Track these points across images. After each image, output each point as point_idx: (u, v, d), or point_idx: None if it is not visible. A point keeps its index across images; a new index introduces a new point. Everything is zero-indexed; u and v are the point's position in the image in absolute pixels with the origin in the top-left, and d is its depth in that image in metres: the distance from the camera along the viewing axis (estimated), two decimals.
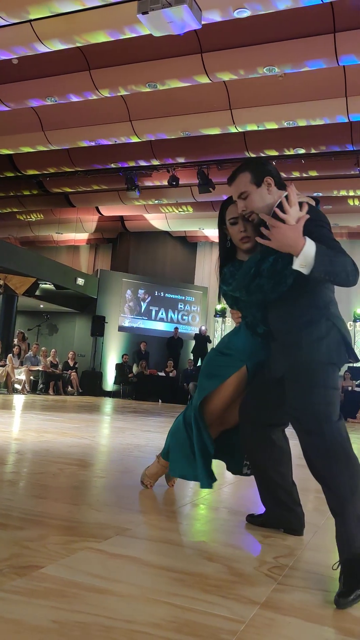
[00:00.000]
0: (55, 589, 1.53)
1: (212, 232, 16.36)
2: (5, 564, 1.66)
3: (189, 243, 17.58)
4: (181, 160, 10.89)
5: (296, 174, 11.06)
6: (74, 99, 8.60)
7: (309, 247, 1.81)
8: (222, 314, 16.64)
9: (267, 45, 7.11)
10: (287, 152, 9.99)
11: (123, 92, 8.34)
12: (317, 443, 1.92)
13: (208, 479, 2.56)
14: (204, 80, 7.69)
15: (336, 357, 2.00)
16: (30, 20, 6.62)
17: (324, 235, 1.94)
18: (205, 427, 2.58)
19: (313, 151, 9.91)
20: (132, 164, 11.19)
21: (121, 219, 15.97)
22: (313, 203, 2.17)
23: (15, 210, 15.13)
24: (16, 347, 13.20)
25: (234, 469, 2.74)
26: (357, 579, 1.69)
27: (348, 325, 14.22)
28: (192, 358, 15.41)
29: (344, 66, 7.46)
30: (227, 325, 16.77)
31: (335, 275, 1.87)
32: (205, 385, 2.57)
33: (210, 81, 7.75)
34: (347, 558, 1.77)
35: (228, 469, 2.79)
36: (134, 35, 6.61)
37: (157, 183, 12.47)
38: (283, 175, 11.27)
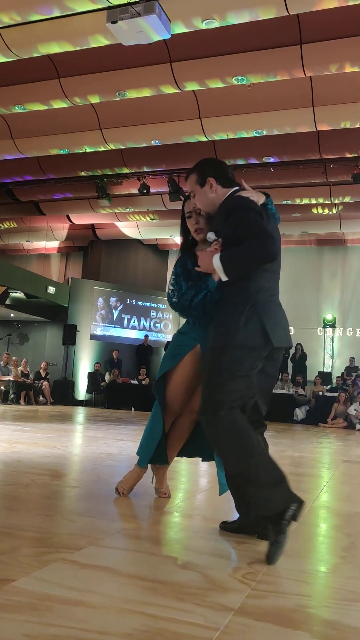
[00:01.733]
0: (27, 602, 1.51)
1: None
2: None
3: (160, 251, 17.59)
4: (152, 168, 10.92)
5: (265, 183, 11.19)
6: (44, 107, 8.56)
7: (216, 262, 2.22)
8: None
9: (236, 56, 7.19)
10: (256, 161, 10.10)
11: (93, 101, 8.34)
12: (213, 428, 2.13)
13: (145, 458, 2.86)
14: (174, 89, 7.74)
15: (251, 340, 2.18)
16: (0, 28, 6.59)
17: (245, 219, 2.22)
18: (160, 413, 2.80)
19: (282, 160, 10.05)
20: (106, 171, 11.18)
21: (92, 227, 15.92)
22: (262, 198, 2.40)
23: None
24: None
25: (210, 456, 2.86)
26: (272, 531, 2.00)
27: (318, 331, 14.32)
28: None
29: (310, 77, 7.59)
30: None
31: (246, 265, 2.22)
32: (165, 364, 2.77)
33: (179, 90, 7.80)
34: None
35: (204, 459, 2.96)
36: (103, 44, 6.62)
37: (128, 191, 12.48)
38: (256, 184, 11.39)
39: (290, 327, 13.21)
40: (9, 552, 1.91)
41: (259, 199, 2.39)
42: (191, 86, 7.65)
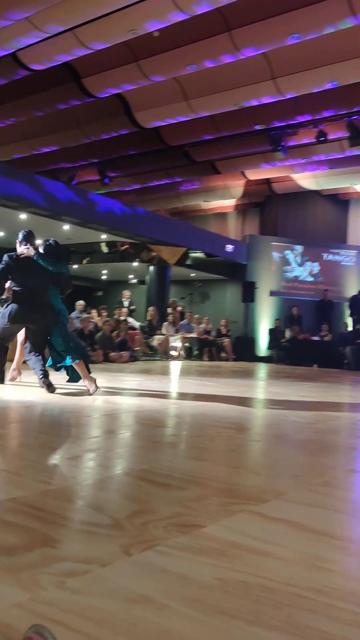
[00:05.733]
0: (217, 548, 1.56)
1: None
2: (169, 522, 1.74)
3: (340, 201, 16.75)
4: (328, 113, 10.32)
5: None
6: (215, 63, 8.50)
7: None
8: None
9: None
10: None
11: (264, 50, 8.07)
12: None
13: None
14: (350, 23, 7.15)
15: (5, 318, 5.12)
16: None
17: None
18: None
19: None
20: (280, 122, 10.86)
21: (268, 181, 15.65)
22: (31, 253, 5.12)
23: (163, 182, 15.48)
24: (170, 315, 13.69)
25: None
26: None
27: None
28: (346, 321, 14.83)
29: None
30: None
31: None
32: None
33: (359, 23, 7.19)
34: None
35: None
36: None
37: (304, 141, 11.98)
38: None
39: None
40: (198, 500, 1.99)
41: (27, 253, 5.10)
42: None
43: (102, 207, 11.99)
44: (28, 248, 5.12)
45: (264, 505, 1.98)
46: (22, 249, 5.14)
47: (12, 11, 7.01)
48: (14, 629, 1.06)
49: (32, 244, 5.20)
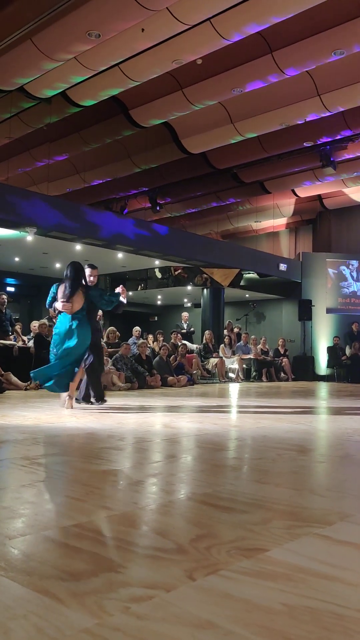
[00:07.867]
0: (282, 572, 1.53)
1: None
2: (232, 546, 1.72)
3: None
4: None
5: None
6: (259, 85, 8.57)
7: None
8: None
9: None
10: None
11: (308, 68, 8.08)
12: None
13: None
14: None
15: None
16: (209, 19, 6.77)
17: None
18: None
19: None
20: (326, 138, 10.79)
21: (319, 197, 15.52)
22: None
23: (213, 206, 15.59)
24: (226, 337, 13.64)
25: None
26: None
27: None
28: None
29: None
30: None
31: None
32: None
33: None
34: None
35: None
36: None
37: (354, 155, 11.84)
38: None
39: None
40: (261, 523, 1.96)
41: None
42: None
43: (154, 234, 12.19)
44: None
45: (329, 528, 1.93)
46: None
47: (61, 53, 7.32)
48: None
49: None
